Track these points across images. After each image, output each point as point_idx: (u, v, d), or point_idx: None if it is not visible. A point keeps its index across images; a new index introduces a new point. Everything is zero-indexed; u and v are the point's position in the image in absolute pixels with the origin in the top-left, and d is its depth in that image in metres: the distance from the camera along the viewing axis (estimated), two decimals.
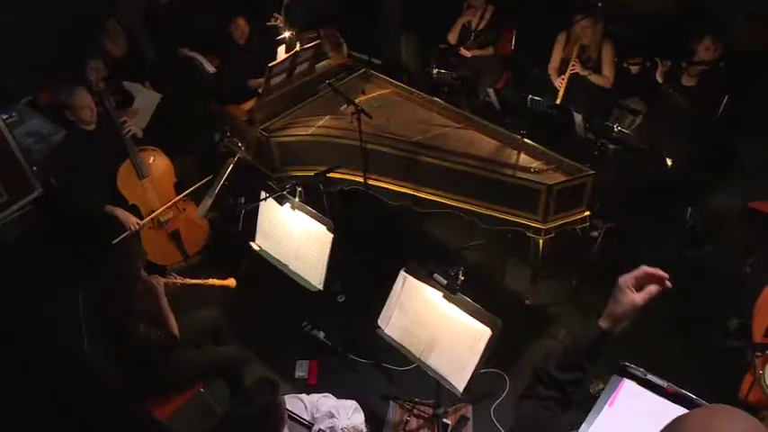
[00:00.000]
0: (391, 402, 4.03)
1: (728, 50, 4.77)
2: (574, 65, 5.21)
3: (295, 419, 3.05)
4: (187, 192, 4.65)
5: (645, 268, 1.74)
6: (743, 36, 5.28)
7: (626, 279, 1.75)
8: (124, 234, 4.35)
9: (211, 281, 3.87)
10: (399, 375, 4.14)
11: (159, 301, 3.48)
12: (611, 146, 4.42)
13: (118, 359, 3.52)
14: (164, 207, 4.60)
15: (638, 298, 1.71)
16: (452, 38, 6.01)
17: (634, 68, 5.09)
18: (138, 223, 4.45)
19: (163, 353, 3.48)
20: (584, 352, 1.78)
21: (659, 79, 4.89)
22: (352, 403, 3.36)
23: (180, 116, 5.70)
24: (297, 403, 3.22)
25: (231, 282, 3.88)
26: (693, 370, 3.98)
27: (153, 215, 4.59)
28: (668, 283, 1.71)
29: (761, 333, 3.49)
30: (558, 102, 5.14)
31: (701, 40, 4.72)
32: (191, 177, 4.74)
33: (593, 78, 5.25)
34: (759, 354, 3.25)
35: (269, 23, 5.87)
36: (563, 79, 5.24)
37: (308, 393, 3.51)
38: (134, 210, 4.58)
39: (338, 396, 3.51)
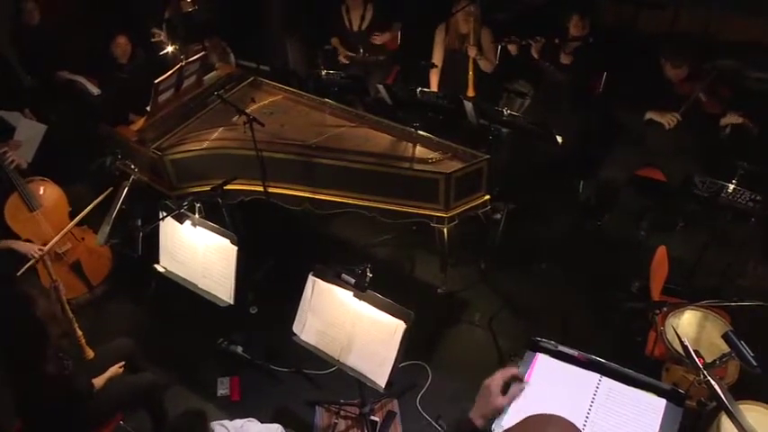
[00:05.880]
0: (317, 407, 4.01)
1: (595, 29, 5.06)
2: (470, 50, 5.26)
3: None
4: (79, 217, 4.41)
5: (512, 370, 1.90)
6: (608, 15, 5.60)
7: (495, 382, 1.88)
8: (29, 263, 4.14)
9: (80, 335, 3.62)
10: (322, 379, 4.11)
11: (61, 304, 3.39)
12: (503, 129, 4.55)
13: (26, 404, 3.34)
14: (58, 236, 4.37)
15: (503, 401, 1.86)
16: (336, 42, 6.04)
17: (512, 48, 5.23)
18: (40, 249, 4.24)
19: (76, 389, 3.32)
20: None
21: (535, 55, 5.10)
22: (278, 427, 3.31)
23: (67, 142, 5.49)
24: (221, 430, 3.15)
25: (90, 353, 3.62)
26: (602, 335, 4.14)
27: (50, 245, 4.37)
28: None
29: (658, 291, 3.69)
30: None
31: (570, 18, 5.00)
32: (85, 205, 4.56)
33: (482, 63, 5.36)
34: (658, 311, 3.42)
35: (152, 40, 5.72)
36: None
37: (231, 412, 3.43)
38: None
39: (264, 409, 3.45)
